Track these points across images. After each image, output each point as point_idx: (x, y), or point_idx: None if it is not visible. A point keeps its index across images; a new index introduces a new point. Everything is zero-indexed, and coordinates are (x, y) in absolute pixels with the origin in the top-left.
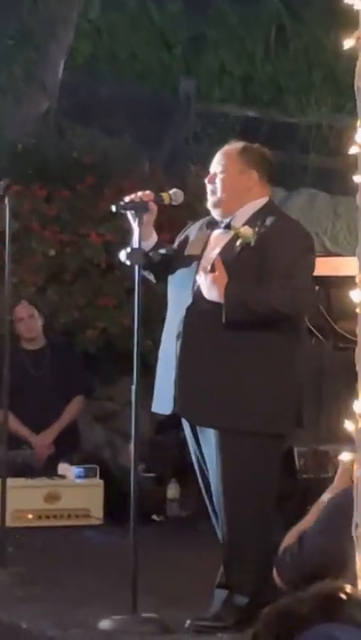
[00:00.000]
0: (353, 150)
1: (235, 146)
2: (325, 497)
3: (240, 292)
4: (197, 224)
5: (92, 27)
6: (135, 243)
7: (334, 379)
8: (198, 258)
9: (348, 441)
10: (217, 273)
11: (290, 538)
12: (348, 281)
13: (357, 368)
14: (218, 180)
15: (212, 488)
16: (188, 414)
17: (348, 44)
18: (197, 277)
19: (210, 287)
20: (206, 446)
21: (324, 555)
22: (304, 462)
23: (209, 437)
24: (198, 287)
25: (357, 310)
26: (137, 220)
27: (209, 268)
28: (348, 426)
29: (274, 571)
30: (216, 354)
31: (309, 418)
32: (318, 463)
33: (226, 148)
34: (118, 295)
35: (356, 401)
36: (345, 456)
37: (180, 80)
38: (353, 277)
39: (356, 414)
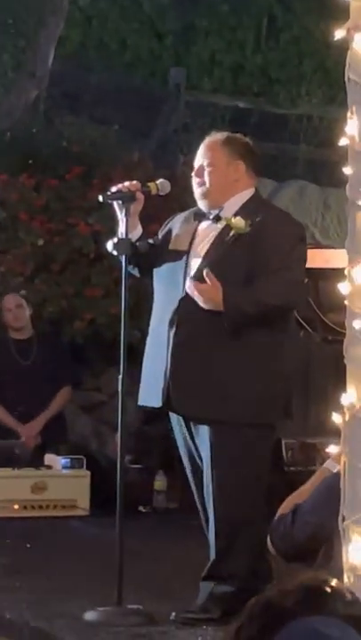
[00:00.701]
0: (343, 142)
1: (218, 137)
2: (330, 464)
3: (238, 300)
4: (180, 216)
5: (82, 15)
6: (122, 233)
7: (323, 371)
8: (186, 251)
9: (335, 433)
10: (210, 283)
11: (287, 506)
12: (337, 273)
13: (346, 361)
14: (205, 173)
15: (204, 480)
16: (182, 409)
17: (338, 34)
18: (187, 282)
19: (207, 300)
20: (201, 438)
21: (314, 532)
22: (292, 455)
23: (203, 430)
24: (190, 279)
25: (346, 302)
26: (124, 210)
27: (193, 275)
28: (336, 418)
29: (268, 538)
30: (207, 348)
31: (297, 410)
32: (306, 456)
33: (209, 139)
34: (107, 285)
35: (344, 393)
36: (333, 449)
37: (169, 70)
38: (343, 270)
39: (344, 407)
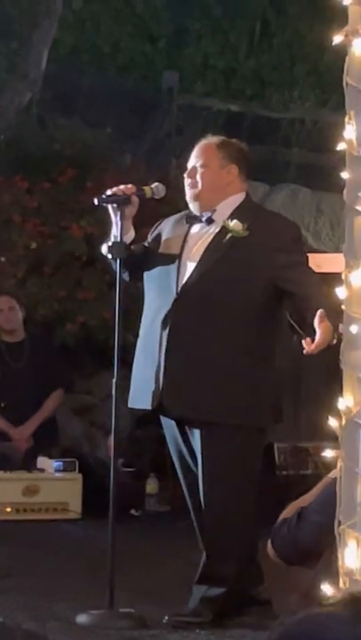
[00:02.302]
0: (341, 146)
1: (213, 140)
2: (334, 474)
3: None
4: (170, 220)
5: (75, 18)
6: (117, 236)
7: (315, 375)
8: (177, 256)
9: (327, 437)
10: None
11: (290, 510)
12: (330, 277)
13: (342, 365)
14: (198, 175)
15: (200, 483)
16: (173, 411)
17: (336, 39)
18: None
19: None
20: (195, 441)
21: (320, 533)
22: (284, 458)
23: (196, 432)
24: (183, 286)
25: (343, 307)
26: (118, 213)
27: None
28: (332, 422)
29: (268, 543)
30: (199, 352)
31: (289, 414)
32: (298, 459)
33: (204, 141)
34: (99, 288)
35: (340, 398)
36: (328, 453)
37: (162, 73)
38: (335, 274)
39: (340, 411)
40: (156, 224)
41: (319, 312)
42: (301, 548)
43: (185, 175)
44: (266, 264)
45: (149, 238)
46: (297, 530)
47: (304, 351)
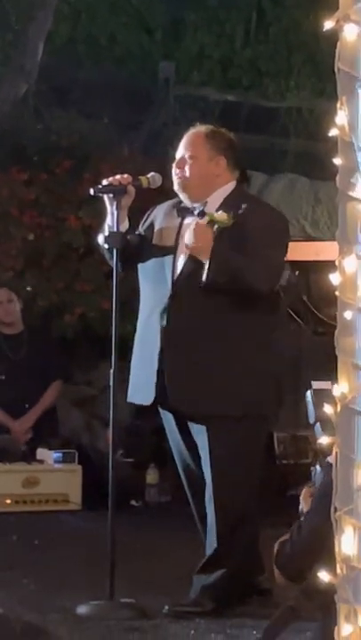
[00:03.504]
0: (333, 132)
1: (202, 130)
2: (310, 485)
3: (225, 256)
4: (161, 209)
5: (71, 9)
6: (113, 226)
7: (314, 364)
8: (172, 248)
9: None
10: (202, 233)
11: (283, 538)
12: (328, 266)
13: (337, 351)
14: (187, 166)
15: (205, 476)
16: (174, 406)
17: (327, 25)
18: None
19: (198, 241)
20: (197, 435)
21: (318, 534)
22: (283, 448)
23: (199, 425)
24: (178, 277)
25: (337, 293)
26: (115, 203)
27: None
28: (328, 409)
29: (275, 570)
30: (197, 344)
31: (289, 403)
32: (298, 449)
33: (193, 131)
34: (97, 280)
35: (335, 385)
36: (324, 440)
37: (159, 64)
38: (333, 262)
39: (335, 398)
40: (148, 212)
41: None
42: (308, 556)
43: (174, 165)
44: (247, 253)
45: (141, 227)
46: (300, 539)
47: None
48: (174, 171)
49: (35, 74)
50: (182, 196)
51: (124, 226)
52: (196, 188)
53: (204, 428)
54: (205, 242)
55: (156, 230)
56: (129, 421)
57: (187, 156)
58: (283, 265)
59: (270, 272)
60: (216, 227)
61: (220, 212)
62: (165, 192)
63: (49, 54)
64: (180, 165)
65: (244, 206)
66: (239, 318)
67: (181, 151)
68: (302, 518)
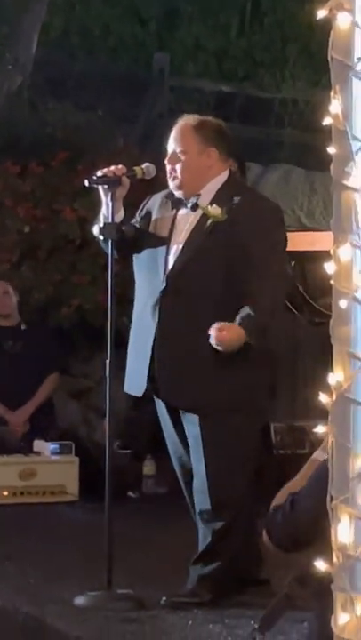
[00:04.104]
0: (327, 121)
1: (190, 121)
2: (318, 455)
3: (252, 322)
4: (157, 198)
5: (65, 1)
6: (108, 217)
7: (310, 354)
8: (166, 240)
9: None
10: (226, 333)
11: (280, 497)
12: (323, 256)
13: (332, 340)
14: (178, 164)
15: (193, 466)
16: (168, 398)
17: (321, 14)
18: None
19: (229, 347)
20: (188, 425)
21: (313, 518)
22: (280, 438)
23: (192, 417)
24: (170, 270)
25: (332, 282)
26: (109, 194)
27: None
28: (323, 398)
29: (264, 532)
30: (191, 336)
31: (285, 393)
32: (295, 439)
33: (181, 123)
34: (93, 271)
35: (331, 373)
36: (320, 429)
37: (153, 55)
38: (329, 252)
39: (331, 386)
40: (144, 201)
41: (238, 318)
42: (297, 535)
43: (166, 161)
44: (243, 252)
45: (137, 216)
46: (291, 517)
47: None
48: (167, 167)
49: (29, 66)
50: (177, 194)
51: (120, 216)
52: (189, 183)
53: (196, 418)
54: (238, 338)
55: (152, 220)
56: (126, 413)
57: (178, 151)
58: (285, 270)
59: (276, 284)
60: (210, 221)
61: (213, 205)
62: (160, 183)
63: (43, 46)
64: (172, 162)
65: (236, 200)
66: (230, 311)
67: (172, 145)
68: (297, 494)
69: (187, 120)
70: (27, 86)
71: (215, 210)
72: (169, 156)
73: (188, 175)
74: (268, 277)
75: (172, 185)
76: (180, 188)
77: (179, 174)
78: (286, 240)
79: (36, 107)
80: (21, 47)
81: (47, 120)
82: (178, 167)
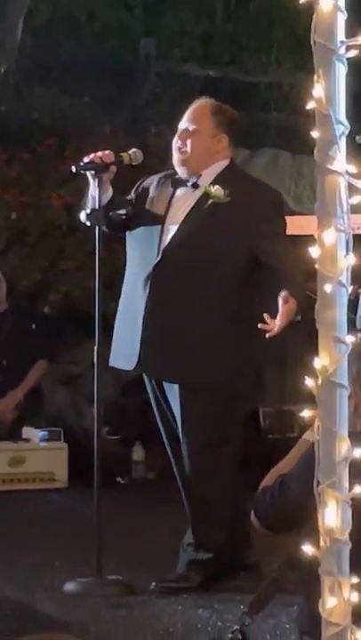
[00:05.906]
0: (310, 105)
1: (208, 103)
2: (309, 435)
3: (296, 289)
4: (155, 178)
5: None
6: (95, 203)
7: (299, 339)
8: (162, 218)
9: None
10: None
11: (270, 478)
12: (311, 240)
13: (317, 324)
14: (189, 140)
15: (181, 445)
16: (151, 370)
17: None
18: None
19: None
20: (174, 402)
21: (303, 500)
22: (269, 422)
23: (175, 393)
24: (164, 250)
25: (317, 267)
26: (97, 180)
27: (170, 242)
28: (309, 382)
29: (252, 513)
30: (181, 312)
31: (274, 378)
32: (283, 423)
33: (199, 103)
34: (81, 258)
35: (316, 357)
36: (306, 413)
37: (139, 40)
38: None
39: (317, 370)
40: (141, 180)
41: (282, 294)
42: (286, 516)
43: (176, 137)
44: (246, 231)
45: (133, 193)
46: (280, 498)
47: (267, 335)
48: (175, 142)
49: (15, 52)
50: (180, 170)
51: (108, 195)
52: (195, 162)
53: (177, 392)
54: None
55: (149, 197)
56: (115, 399)
57: (191, 128)
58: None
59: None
60: (210, 201)
61: (216, 186)
62: (147, 168)
63: (29, 32)
64: (183, 137)
65: (236, 183)
66: (222, 292)
67: (185, 123)
68: (286, 476)
69: (205, 102)
70: (12, 72)
71: (218, 190)
72: (180, 132)
73: (197, 153)
74: (286, 246)
75: (177, 158)
76: (184, 163)
77: (188, 149)
78: (286, 228)
79: (22, 93)
80: (6, 33)
81: (33, 106)
82: (188, 142)
